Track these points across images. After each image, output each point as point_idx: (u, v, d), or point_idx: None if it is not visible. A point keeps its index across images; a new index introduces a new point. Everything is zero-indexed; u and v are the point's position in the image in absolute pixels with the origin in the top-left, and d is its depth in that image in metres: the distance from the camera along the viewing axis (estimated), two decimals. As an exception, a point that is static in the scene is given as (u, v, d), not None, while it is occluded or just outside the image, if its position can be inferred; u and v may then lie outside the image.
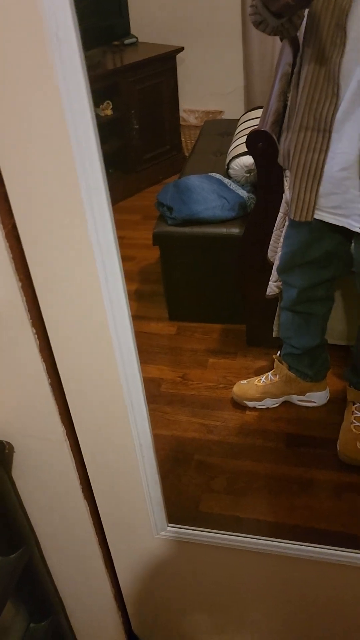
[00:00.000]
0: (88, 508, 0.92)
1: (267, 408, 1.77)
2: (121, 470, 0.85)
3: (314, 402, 1.75)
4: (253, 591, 1.03)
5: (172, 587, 1.07)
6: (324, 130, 1.18)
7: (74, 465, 0.85)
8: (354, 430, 1.58)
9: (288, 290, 1.54)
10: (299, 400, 1.76)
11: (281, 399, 1.76)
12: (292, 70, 1.28)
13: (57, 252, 0.64)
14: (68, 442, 0.82)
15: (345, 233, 1.33)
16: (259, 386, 1.76)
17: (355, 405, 1.61)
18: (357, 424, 1.58)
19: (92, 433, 0.82)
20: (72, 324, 0.71)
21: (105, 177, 0.59)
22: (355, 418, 1.59)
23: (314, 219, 1.30)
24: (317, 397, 1.74)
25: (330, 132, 1.17)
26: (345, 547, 0.91)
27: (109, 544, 1.00)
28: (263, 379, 1.77)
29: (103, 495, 0.91)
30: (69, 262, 0.65)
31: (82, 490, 0.89)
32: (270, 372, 1.77)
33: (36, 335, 0.71)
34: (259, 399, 1.75)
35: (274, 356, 1.76)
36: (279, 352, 1.74)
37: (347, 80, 1.11)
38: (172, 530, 0.93)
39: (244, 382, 1.79)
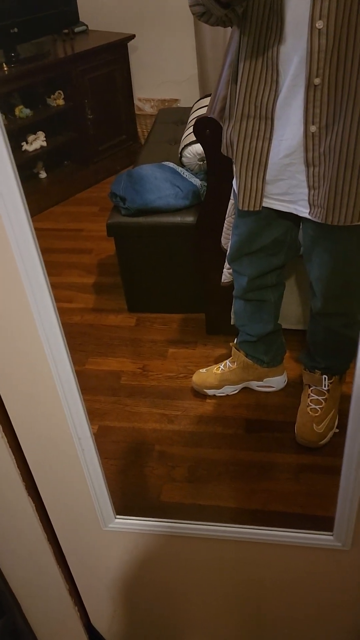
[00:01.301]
0: (33, 505, 0.90)
1: (227, 395, 1.78)
2: (62, 465, 0.84)
3: (272, 387, 1.76)
4: (206, 577, 1.04)
5: (126, 578, 1.07)
6: (265, 118, 1.16)
7: (14, 462, 0.83)
8: (310, 412, 1.59)
9: (238, 279, 1.54)
10: (257, 386, 1.77)
11: (240, 386, 1.77)
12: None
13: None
14: (6, 439, 0.81)
15: (292, 219, 1.33)
16: (217, 374, 1.76)
17: (311, 388, 1.63)
18: (313, 406, 1.60)
19: (30, 428, 0.81)
20: (-3, 318, 0.69)
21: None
22: (311, 401, 1.61)
23: (262, 206, 1.30)
24: (275, 382, 1.76)
25: (272, 119, 1.16)
26: (302, 528, 0.92)
27: (59, 540, 0.99)
28: (221, 366, 1.77)
29: (47, 492, 0.90)
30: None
31: (25, 487, 0.87)
32: (228, 359, 1.78)
33: None
34: (218, 387, 1.76)
35: (231, 344, 1.76)
36: (235, 340, 1.75)
37: (286, 66, 1.09)
38: (120, 522, 0.93)
39: (203, 370, 1.79)
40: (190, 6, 1.11)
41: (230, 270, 1.73)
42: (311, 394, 1.62)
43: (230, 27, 1.20)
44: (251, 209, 1.29)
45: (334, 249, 1.29)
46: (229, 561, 0.98)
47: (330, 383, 1.61)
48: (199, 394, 1.80)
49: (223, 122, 1.33)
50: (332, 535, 0.87)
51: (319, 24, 1.00)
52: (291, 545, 0.90)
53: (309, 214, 1.23)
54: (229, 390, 1.77)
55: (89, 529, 0.95)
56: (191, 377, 1.82)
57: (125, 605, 1.14)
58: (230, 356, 1.78)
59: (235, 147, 1.24)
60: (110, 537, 0.96)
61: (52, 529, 0.97)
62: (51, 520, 0.95)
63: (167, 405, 1.79)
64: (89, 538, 0.97)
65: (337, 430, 1.61)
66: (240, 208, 1.30)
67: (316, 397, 1.62)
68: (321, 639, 1.10)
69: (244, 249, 1.44)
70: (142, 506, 1.55)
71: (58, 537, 0.99)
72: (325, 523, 0.91)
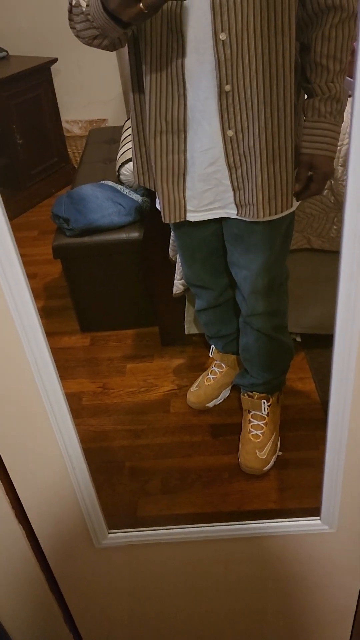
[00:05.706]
0: (24, 532, 0.89)
1: (190, 404, 1.80)
2: (53, 486, 0.84)
3: None
4: (204, 583, 1.05)
5: (121, 598, 1.06)
6: (178, 131, 1.18)
7: (2, 487, 0.82)
8: (252, 438, 1.59)
9: (204, 294, 1.57)
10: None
11: (232, 384, 1.79)
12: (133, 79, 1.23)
13: None
14: (-8, 466, 0.80)
15: (217, 221, 1.35)
16: (211, 384, 1.77)
17: (251, 413, 1.63)
18: (255, 432, 1.60)
19: (18, 451, 0.80)
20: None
21: None
22: (252, 426, 1.61)
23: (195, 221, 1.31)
24: None
25: (185, 132, 1.18)
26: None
27: (51, 566, 0.97)
28: (210, 376, 1.78)
29: (38, 516, 0.89)
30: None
31: (15, 514, 0.86)
32: (213, 366, 1.79)
33: None
34: (218, 395, 1.77)
35: (211, 355, 1.78)
36: (210, 352, 1.77)
37: (193, 80, 1.12)
38: (113, 536, 0.93)
39: (194, 389, 1.79)
40: (78, 31, 1.07)
41: (182, 281, 1.76)
42: (251, 420, 1.62)
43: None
44: (175, 220, 1.29)
45: (258, 243, 1.32)
46: (224, 561, 1.00)
47: (269, 406, 1.62)
48: (162, 406, 1.82)
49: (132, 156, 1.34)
50: (319, 519, 0.91)
51: (222, 36, 1.04)
52: (282, 535, 0.94)
53: (237, 214, 1.26)
54: (225, 393, 1.79)
55: (82, 551, 0.94)
56: (153, 390, 1.84)
57: (120, 624, 1.13)
58: (191, 365, 1.81)
59: (153, 164, 1.24)
60: (103, 555, 0.96)
61: (44, 556, 0.96)
62: (42, 546, 0.94)
63: (132, 421, 1.80)
64: (83, 560, 0.96)
65: (280, 454, 1.60)
66: (165, 221, 1.30)
67: (256, 422, 1.61)
68: (315, 624, 1.14)
69: (195, 256, 1.47)
70: (119, 525, 1.54)
71: (50, 563, 0.97)
72: (300, 514, 0.95)
